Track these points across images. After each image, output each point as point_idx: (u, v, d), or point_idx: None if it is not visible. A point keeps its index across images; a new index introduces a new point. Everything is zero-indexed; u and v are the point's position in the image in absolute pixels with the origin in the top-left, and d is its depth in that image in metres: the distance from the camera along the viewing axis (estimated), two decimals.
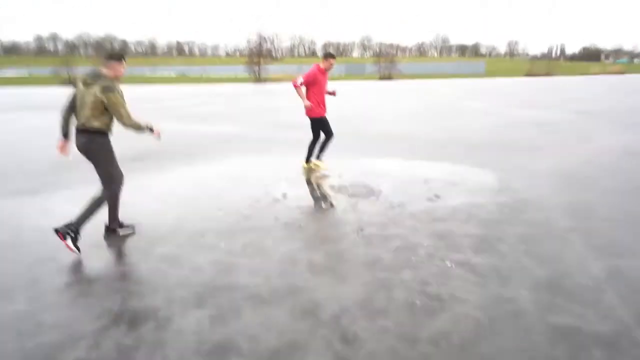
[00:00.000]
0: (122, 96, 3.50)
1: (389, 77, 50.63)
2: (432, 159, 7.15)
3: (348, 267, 3.28)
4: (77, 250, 3.48)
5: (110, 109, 3.47)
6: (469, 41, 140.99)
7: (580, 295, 2.83)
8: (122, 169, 3.82)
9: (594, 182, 5.61)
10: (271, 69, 52.10)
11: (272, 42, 54.87)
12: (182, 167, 6.78)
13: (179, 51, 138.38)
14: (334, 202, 4.89)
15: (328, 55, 6.10)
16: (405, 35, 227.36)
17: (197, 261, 3.40)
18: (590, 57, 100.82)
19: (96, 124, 3.51)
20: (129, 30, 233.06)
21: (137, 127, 3.63)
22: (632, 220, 4.23)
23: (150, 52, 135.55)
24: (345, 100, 19.87)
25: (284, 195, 5.22)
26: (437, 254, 3.49)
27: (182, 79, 54.40)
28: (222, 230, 4.07)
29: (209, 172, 6.47)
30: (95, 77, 3.50)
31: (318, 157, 6.48)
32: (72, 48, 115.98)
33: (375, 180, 5.78)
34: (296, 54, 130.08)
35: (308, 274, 3.19)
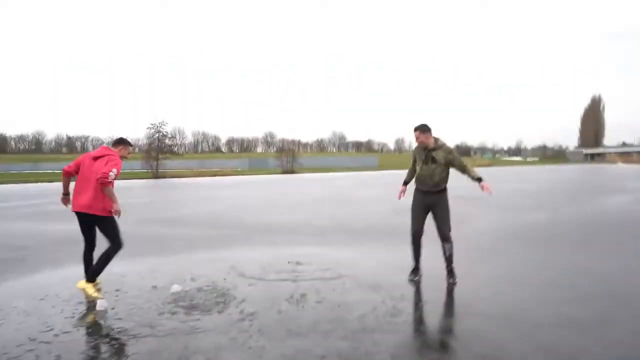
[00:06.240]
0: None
1: (291, 171, 51.73)
2: (314, 245, 6.30)
3: None
4: None
5: None
6: (362, 138, 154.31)
7: None
8: None
9: (468, 270, 5.17)
10: (173, 164, 50.31)
11: (173, 138, 53.58)
12: None
13: (70, 147, 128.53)
14: (159, 321, 3.61)
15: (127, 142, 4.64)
16: (305, 131, 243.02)
17: None
18: (462, 153, 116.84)
19: None
20: (9, 124, 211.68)
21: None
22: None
23: (34, 148, 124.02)
24: (242, 192, 19.00)
25: (100, 314, 3.80)
26: None
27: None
28: None
29: (8, 290, 4.77)
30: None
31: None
32: None
33: (234, 282, 4.67)
34: (199, 149, 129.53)
35: None
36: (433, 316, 3.70)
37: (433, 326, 3.48)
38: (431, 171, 4.57)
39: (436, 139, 4.64)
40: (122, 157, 4.53)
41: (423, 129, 4.60)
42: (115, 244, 4.28)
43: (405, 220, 7.71)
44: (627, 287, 4.40)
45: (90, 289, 4.15)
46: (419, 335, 3.25)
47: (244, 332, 3.33)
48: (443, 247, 4.61)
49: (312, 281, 4.68)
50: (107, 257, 4.24)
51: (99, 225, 4.33)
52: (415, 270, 4.83)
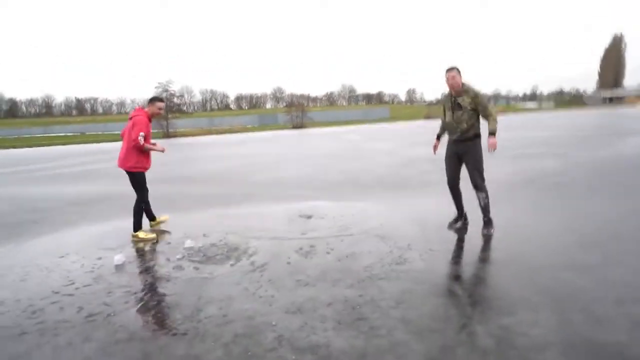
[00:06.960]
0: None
1: (301, 126, 51.38)
2: (324, 199, 6.39)
3: None
4: None
5: None
6: (373, 90, 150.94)
7: None
8: None
9: (475, 218, 5.20)
10: (182, 123, 50.34)
11: (182, 97, 53.30)
12: None
13: (79, 110, 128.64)
14: (173, 274, 3.77)
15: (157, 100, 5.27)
16: (315, 86, 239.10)
17: None
18: None
19: None
20: (19, 88, 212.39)
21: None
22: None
23: (45, 112, 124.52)
24: (252, 149, 19.06)
25: (118, 268, 3.99)
26: (285, 340, 2.54)
27: (77, 138, 49.71)
28: None
29: (29, 250, 4.99)
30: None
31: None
32: None
33: (245, 236, 4.80)
34: (208, 107, 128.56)
35: None
36: (438, 264, 3.77)
37: (438, 273, 3.56)
38: (458, 118, 4.46)
39: (463, 84, 4.47)
40: (154, 114, 5.14)
41: (457, 69, 4.41)
42: (138, 197, 5.05)
43: (414, 173, 7.69)
44: (633, 229, 4.39)
45: (138, 235, 4.92)
46: (423, 282, 3.34)
47: (254, 283, 3.46)
48: (477, 196, 4.54)
49: (322, 234, 4.78)
50: (134, 211, 5.00)
51: (129, 178, 5.04)
52: (458, 217, 4.85)
